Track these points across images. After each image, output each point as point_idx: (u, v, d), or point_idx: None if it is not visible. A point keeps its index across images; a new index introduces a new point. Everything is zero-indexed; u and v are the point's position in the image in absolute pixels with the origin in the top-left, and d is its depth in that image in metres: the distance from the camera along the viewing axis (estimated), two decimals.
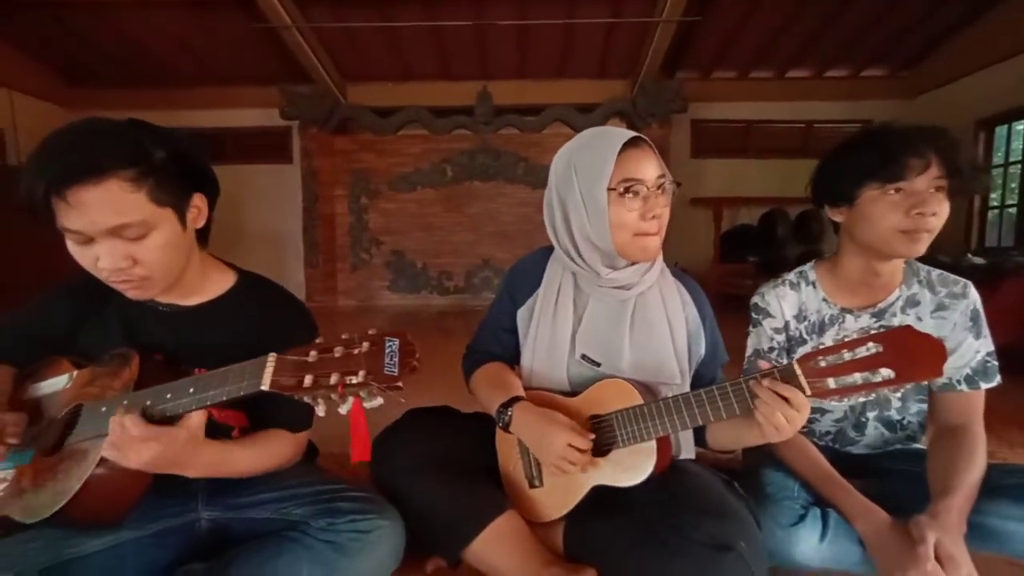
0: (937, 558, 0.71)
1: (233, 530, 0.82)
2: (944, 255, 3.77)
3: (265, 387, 0.61)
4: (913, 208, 0.83)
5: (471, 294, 5.73)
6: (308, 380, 0.59)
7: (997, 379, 0.92)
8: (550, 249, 0.99)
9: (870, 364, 0.67)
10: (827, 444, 1.03)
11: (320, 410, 0.61)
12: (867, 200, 0.88)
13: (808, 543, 0.81)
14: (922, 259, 0.95)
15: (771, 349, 1.01)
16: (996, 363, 0.92)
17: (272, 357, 0.63)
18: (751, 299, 1.06)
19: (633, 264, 0.88)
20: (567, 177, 0.86)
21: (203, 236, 0.85)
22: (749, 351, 1.05)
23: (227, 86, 6.05)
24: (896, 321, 0.95)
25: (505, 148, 5.62)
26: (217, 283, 0.87)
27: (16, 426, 0.74)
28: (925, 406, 0.97)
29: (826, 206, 0.96)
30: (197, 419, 0.68)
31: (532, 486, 0.90)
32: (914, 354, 0.66)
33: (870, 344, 0.67)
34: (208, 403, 0.65)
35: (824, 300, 0.99)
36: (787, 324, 1.00)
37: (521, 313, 0.98)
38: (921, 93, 5.78)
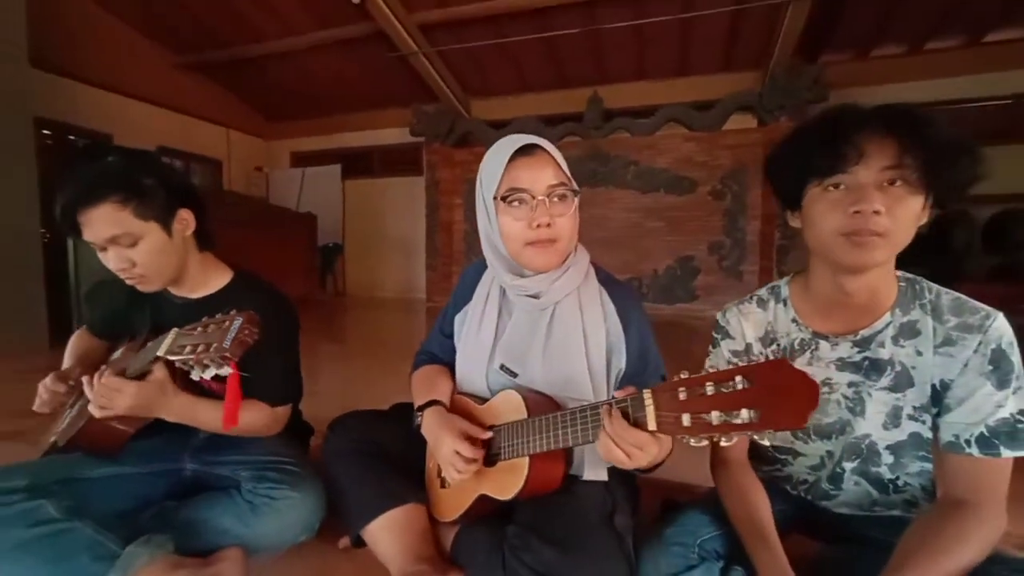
0: None
1: (206, 480, 1.01)
2: None
3: (161, 354, 0.78)
4: (852, 205, 0.67)
5: None
6: (188, 348, 0.73)
7: None
8: None
9: (733, 402, 0.57)
10: (800, 495, 0.86)
11: (194, 375, 0.74)
12: (810, 200, 0.73)
13: None
14: None
15: None
16: None
17: (172, 332, 0.80)
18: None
19: (545, 271, 0.86)
20: (477, 183, 0.88)
21: (203, 241, 1.05)
22: None
23: (374, 110, 6.99)
24: (885, 353, 0.75)
25: (615, 152, 5.48)
26: (216, 281, 1.07)
27: (74, 378, 1.01)
28: (931, 466, 0.75)
29: (787, 211, 0.81)
30: (159, 372, 0.87)
31: (442, 486, 0.92)
32: (782, 395, 0.54)
33: (739, 378, 0.57)
34: (149, 360, 0.83)
35: (794, 321, 0.83)
36: (748, 347, 0.86)
37: (458, 318, 1.01)
38: None
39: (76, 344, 1.15)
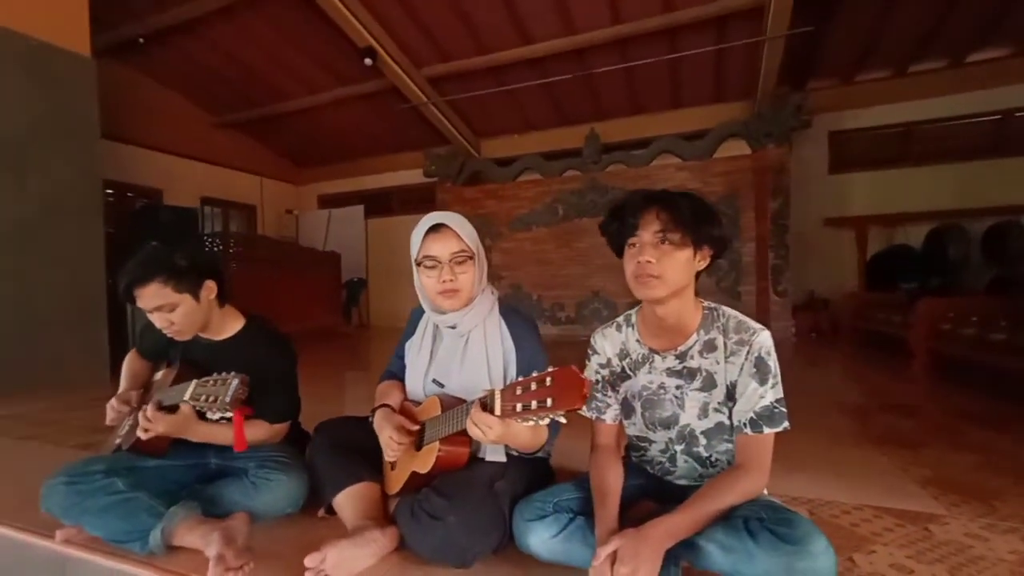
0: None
1: (225, 470, 1.35)
2: None
3: (186, 399, 1.12)
4: (636, 257, 0.97)
5: (582, 324, 5.95)
6: (203, 397, 1.07)
7: (784, 425, 0.94)
8: None
9: (543, 394, 0.87)
10: (656, 472, 1.13)
11: (209, 415, 1.07)
12: (624, 253, 1.03)
13: (539, 536, 0.97)
14: None
15: (597, 382, 1.15)
16: (784, 410, 0.95)
17: (193, 382, 1.13)
18: None
19: (453, 311, 1.18)
20: (410, 248, 1.22)
21: (222, 299, 1.41)
22: None
23: (391, 153, 7.58)
24: (695, 363, 1.04)
25: (613, 184, 5.80)
26: (232, 327, 1.42)
27: (133, 401, 1.38)
28: (733, 445, 1.02)
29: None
30: (185, 408, 1.19)
31: (392, 468, 1.24)
32: (565, 388, 0.84)
33: (548, 379, 0.87)
34: (174, 402, 1.18)
35: (637, 341, 1.12)
36: (609, 361, 1.15)
37: (407, 345, 1.34)
38: None
39: (129, 366, 1.52)
